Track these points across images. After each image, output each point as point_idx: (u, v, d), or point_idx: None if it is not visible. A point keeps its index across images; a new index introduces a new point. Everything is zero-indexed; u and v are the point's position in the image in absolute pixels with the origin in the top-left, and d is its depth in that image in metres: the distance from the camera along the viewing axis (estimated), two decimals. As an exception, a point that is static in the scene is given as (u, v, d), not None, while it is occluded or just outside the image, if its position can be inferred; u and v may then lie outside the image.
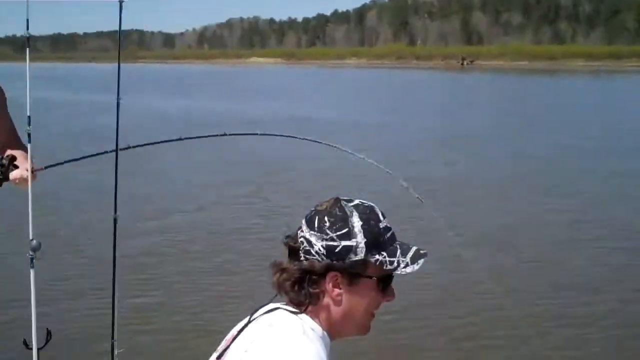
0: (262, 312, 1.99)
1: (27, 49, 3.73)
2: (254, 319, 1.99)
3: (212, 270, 8.53)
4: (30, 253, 3.51)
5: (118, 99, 3.91)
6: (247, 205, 12.26)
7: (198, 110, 28.61)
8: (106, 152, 4.10)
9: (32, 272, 3.52)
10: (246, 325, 1.98)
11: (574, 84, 61.32)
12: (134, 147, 4.17)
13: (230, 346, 1.96)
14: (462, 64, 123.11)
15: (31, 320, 3.58)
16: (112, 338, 3.75)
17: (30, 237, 3.55)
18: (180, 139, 4.38)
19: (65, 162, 4.06)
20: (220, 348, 2.00)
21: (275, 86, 55.38)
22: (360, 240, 1.89)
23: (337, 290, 1.92)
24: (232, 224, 10.85)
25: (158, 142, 4.41)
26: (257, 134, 4.64)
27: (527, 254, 9.19)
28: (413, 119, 26.33)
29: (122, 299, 7.00)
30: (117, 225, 3.88)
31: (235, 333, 1.99)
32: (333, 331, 1.98)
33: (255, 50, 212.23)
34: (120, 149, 4.01)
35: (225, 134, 4.57)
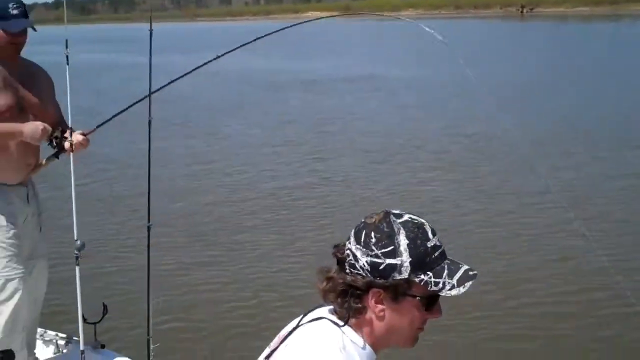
0: (309, 319, 2.02)
1: (67, 77, 4.05)
2: (302, 324, 2.02)
3: (268, 231, 8.69)
4: (76, 252, 3.89)
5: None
6: (304, 164, 12.39)
7: (250, 70, 28.54)
8: (143, 98, 4.30)
9: (77, 269, 3.88)
10: (295, 329, 2.02)
11: (636, 29, 59.36)
12: (167, 85, 4.32)
13: (279, 348, 2.01)
14: (521, 12, 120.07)
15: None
16: (148, 334, 3.93)
17: (75, 238, 3.91)
18: (217, 57, 4.42)
19: (113, 117, 4.27)
20: (272, 345, 2.06)
21: (331, 41, 54.97)
22: (405, 259, 1.88)
23: (379, 307, 1.92)
24: (287, 184, 10.99)
25: (193, 70, 4.44)
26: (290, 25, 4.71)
27: (591, 210, 9.03)
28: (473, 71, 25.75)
29: (176, 257, 7.28)
30: (150, 232, 4.10)
31: (285, 335, 2.03)
32: (377, 344, 1.99)
33: (311, 4, 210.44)
34: (153, 92, 4.20)
35: (257, 38, 4.53)
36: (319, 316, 2.00)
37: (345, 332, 1.93)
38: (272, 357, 2.01)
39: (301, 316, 2.05)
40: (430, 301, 1.94)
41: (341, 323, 1.94)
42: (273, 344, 2.05)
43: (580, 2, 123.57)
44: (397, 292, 1.89)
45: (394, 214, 1.94)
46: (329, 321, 1.96)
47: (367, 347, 1.96)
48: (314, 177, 11.33)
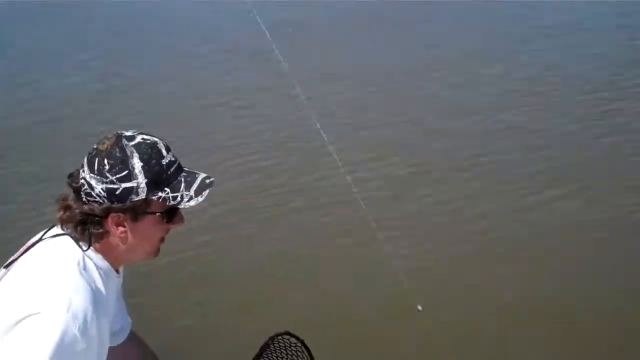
0: (52, 234, 2.00)
1: None
2: (45, 238, 2.00)
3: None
4: None
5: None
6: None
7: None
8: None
9: None
10: (37, 242, 2.00)
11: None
12: None
13: (19, 259, 1.98)
14: None
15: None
16: None
17: None
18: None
19: None
20: (16, 255, 2.02)
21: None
22: (141, 180, 1.90)
23: (120, 229, 1.95)
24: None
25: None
26: None
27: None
28: None
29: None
30: None
31: (28, 246, 2.01)
32: (121, 261, 2.08)
33: None
34: None
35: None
36: (64, 233, 1.98)
37: (87, 253, 1.95)
38: (11, 267, 1.98)
39: (46, 229, 2.04)
40: (171, 214, 2.01)
41: (85, 247, 1.95)
42: (17, 254, 2.03)
43: None
44: (136, 212, 1.93)
45: (126, 137, 1.93)
46: (72, 238, 1.97)
47: (109, 267, 2.02)
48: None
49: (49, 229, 2.04)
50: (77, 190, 1.93)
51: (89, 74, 10.44)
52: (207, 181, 2.00)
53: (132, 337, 2.52)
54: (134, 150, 1.90)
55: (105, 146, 1.91)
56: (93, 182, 1.89)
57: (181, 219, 2.04)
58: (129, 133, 1.95)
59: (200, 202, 1.97)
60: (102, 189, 1.88)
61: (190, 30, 12.76)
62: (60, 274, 1.87)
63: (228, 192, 6.48)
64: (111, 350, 2.20)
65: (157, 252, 2.08)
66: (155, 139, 1.96)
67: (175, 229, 2.04)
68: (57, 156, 7.20)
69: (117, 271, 2.09)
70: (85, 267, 1.92)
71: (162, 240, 2.05)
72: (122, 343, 2.45)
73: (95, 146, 1.93)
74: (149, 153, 1.91)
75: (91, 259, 1.95)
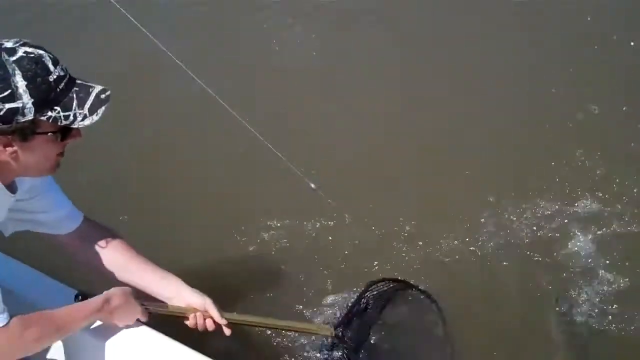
0: None
1: None
2: None
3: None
4: None
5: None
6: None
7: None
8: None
9: None
10: None
11: None
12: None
13: None
14: None
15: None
16: None
17: None
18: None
19: None
20: None
21: None
22: (26, 100, 1.73)
23: (9, 149, 1.81)
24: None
25: None
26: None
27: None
28: None
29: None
30: None
31: None
32: (13, 177, 1.96)
33: None
34: None
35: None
36: None
37: None
38: None
39: None
40: (65, 131, 1.87)
41: None
42: None
43: None
44: (24, 134, 1.79)
45: (6, 50, 1.74)
46: None
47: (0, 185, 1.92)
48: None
49: None
50: None
51: None
52: (103, 96, 1.85)
53: (87, 221, 2.44)
54: (16, 67, 1.72)
55: None
56: None
57: (78, 133, 1.92)
58: (9, 44, 1.77)
59: (96, 121, 1.84)
60: None
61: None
62: None
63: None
64: (68, 235, 2.34)
65: (54, 167, 1.97)
66: (41, 52, 1.78)
67: (74, 143, 1.94)
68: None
69: (12, 190, 2.02)
70: None
71: (61, 154, 1.94)
72: (80, 227, 2.39)
73: None
74: (33, 70, 1.74)
75: None
